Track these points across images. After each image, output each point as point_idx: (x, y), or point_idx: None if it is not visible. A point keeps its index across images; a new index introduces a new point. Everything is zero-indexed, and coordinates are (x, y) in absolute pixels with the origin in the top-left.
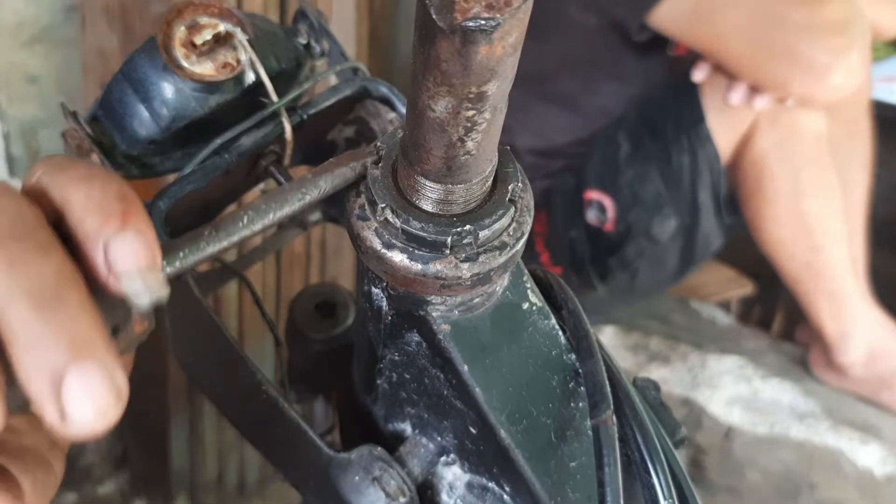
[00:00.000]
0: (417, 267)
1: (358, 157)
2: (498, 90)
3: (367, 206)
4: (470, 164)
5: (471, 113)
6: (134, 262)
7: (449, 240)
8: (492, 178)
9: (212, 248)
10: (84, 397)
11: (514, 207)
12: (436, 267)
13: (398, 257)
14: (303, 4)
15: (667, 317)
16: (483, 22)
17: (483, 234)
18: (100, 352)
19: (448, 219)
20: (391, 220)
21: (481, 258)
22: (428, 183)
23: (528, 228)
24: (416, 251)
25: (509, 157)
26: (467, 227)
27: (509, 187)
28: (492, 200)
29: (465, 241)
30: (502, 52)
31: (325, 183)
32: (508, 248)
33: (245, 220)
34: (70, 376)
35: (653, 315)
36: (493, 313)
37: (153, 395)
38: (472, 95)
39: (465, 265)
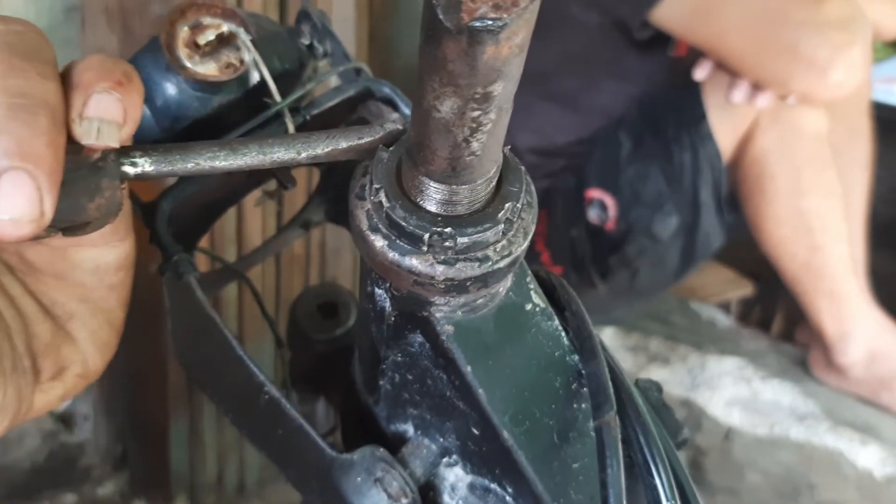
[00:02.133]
0: (394, 256)
1: (365, 132)
2: (504, 91)
3: (366, 186)
4: (475, 164)
5: (476, 113)
6: (101, 114)
7: (426, 236)
8: (496, 181)
9: (183, 165)
10: (9, 199)
11: (504, 225)
12: (411, 261)
13: (379, 242)
14: (305, 5)
15: (667, 318)
16: (490, 22)
17: (462, 240)
18: (42, 170)
19: (433, 216)
20: (383, 203)
21: (458, 265)
22: (432, 183)
23: (518, 250)
24: (397, 241)
25: (518, 175)
26: (447, 229)
27: (507, 205)
28: (484, 212)
29: (445, 243)
30: (509, 52)
31: (327, 143)
32: (490, 263)
33: (228, 153)
34: (5, 177)
35: (653, 316)
36: (497, 314)
37: (153, 395)
38: (477, 96)
39: (441, 267)
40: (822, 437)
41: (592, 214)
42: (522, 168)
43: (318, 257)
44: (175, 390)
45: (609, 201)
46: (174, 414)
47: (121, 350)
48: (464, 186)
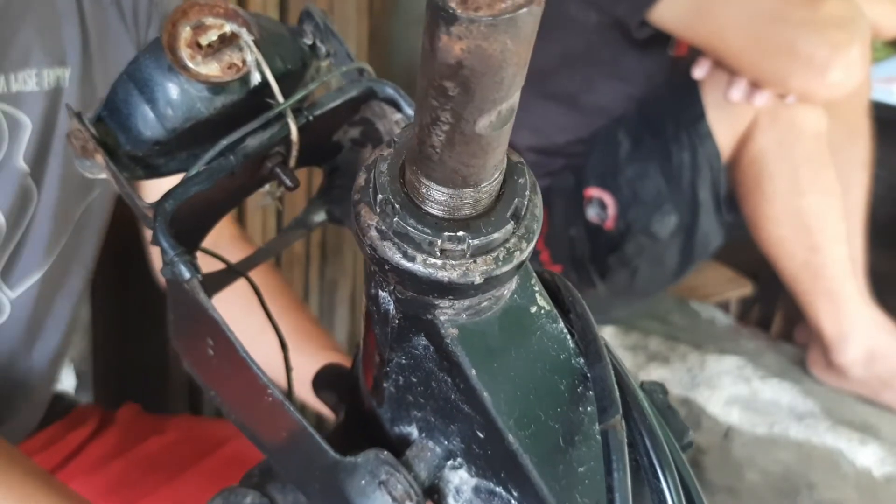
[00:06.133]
0: (397, 258)
1: None
2: None
3: (370, 188)
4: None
5: None
6: None
7: (429, 239)
8: (500, 183)
9: None
10: None
11: (509, 227)
12: (414, 264)
13: (382, 245)
14: (308, 5)
15: (666, 317)
16: None
17: (466, 243)
18: None
19: (437, 219)
20: (386, 205)
21: (462, 268)
22: (435, 186)
23: (523, 252)
24: (400, 243)
25: (523, 177)
26: (451, 232)
27: (512, 208)
28: (489, 215)
29: (448, 246)
30: None
31: None
32: (495, 266)
33: None
34: None
35: (652, 315)
36: (501, 317)
37: (153, 393)
38: None
39: (444, 270)
40: (822, 436)
41: (591, 213)
42: (528, 169)
43: (318, 257)
44: (175, 389)
45: (608, 200)
46: (174, 412)
47: (121, 349)
48: (468, 190)
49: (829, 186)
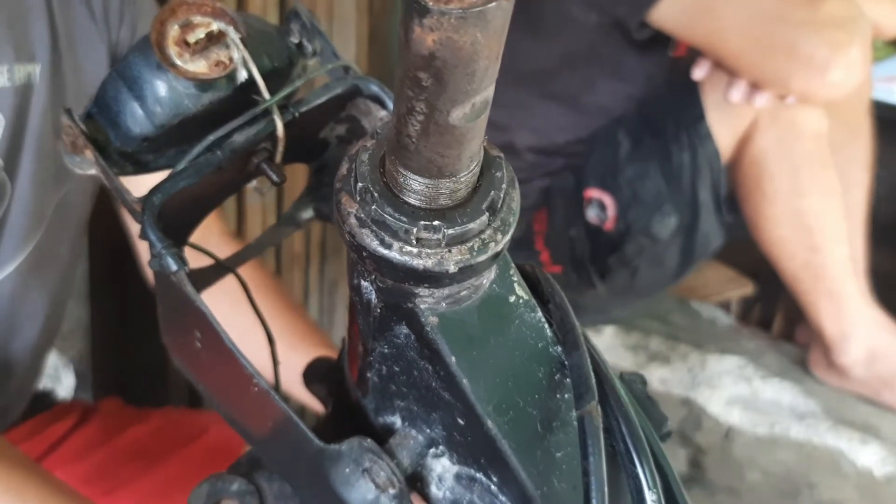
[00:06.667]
0: (377, 248)
1: None
2: None
3: (351, 179)
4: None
5: None
6: None
7: (408, 228)
8: (478, 173)
9: None
10: None
11: (487, 217)
12: (393, 253)
13: (362, 234)
14: (296, 5)
15: (667, 317)
16: None
17: (444, 232)
18: None
19: (416, 209)
20: (367, 195)
21: (441, 256)
22: (413, 176)
23: (501, 241)
24: (380, 233)
25: (500, 167)
26: (429, 221)
27: (489, 197)
28: (467, 204)
29: (427, 235)
30: None
31: None
32: (473, 255)
33: None
34: None
35: (653, 315)
36: (481, 306)
37: (153, 393)
38: None
39: (423, 259)
40: (823, 436)
41: (591, 214)
42: (506, 164)
43: (318, 257)
44: (175, 389)
45: (608, 201)
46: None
47: (121, 349)
48: (444, 180)
49: (829, 187)
